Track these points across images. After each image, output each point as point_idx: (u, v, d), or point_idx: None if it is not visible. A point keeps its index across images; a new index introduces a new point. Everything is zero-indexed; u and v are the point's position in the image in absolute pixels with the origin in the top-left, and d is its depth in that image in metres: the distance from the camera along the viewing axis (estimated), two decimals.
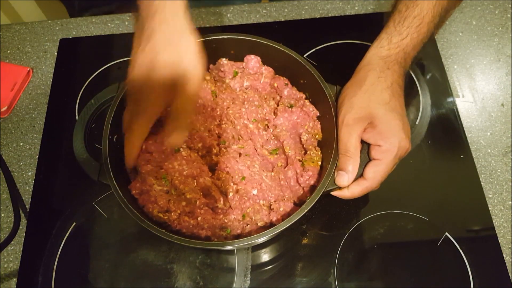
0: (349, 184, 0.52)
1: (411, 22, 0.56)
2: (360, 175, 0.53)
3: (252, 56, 0.63)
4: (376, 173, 0.52)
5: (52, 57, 0.78)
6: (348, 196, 0.54)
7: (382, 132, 0.51)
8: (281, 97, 0.63)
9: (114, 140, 0.55)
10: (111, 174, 0.51)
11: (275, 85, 0.63)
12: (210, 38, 0.60)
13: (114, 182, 0.51)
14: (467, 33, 0.79)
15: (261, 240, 0.49)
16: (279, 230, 0.48)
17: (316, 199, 0.50)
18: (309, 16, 0.80)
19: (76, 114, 0.71)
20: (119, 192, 0.50)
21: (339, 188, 0.53)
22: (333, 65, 0.72)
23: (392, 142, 0.51)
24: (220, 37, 0.61)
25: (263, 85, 0.63)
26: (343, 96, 0.55)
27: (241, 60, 0.64)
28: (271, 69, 0.64)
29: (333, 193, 0.55)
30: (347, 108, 0.53)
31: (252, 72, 0.63)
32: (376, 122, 0.52)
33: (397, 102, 0.53)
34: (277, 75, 0.64)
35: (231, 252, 0.60)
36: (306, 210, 0.49)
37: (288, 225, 0.48)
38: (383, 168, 0.52)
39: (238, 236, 0.53)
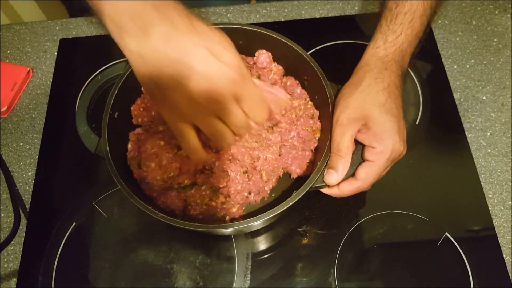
0: (337, 183, 0.52)
1: (403, 18, 0.55)
2: (351, 174, 0.53)
3: (264, 51, 0.62)
4: (368, 174, 0.52)
5: (52, 57, 0.78)
6: (337, 194, 0.54)
7: (376, 133, 0.51)
8: (291, 96, 0.63)
9: (116, 116, 0.56)
10: (108, 148, 0.52)
11: (288, 83, 0.63)
12: (219, 26, 0.59)
13: (110, 156, 0.52)
14: (467, 33, 0.79)
15: (258, 223, 0.49)
16: (272, 215, 0.48)
17: (303, 193, 0.50)
18: (309, 16, 0.80)
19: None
20: (113, 166, 0.51)
21: (328, 185, 0.53)
22: (333, 65, 0.72)
23: (386, 144, 0.51)
24: (229, 26, 0.60)
25: (271, 81, 0.63)
26: (340, 96, 0.55)
27: (247, 53, 0.64)
28: (281, 67, 0.63)
29: (322, 190, 0.55)
30: (342, 108, 0.53)
31: (261, 67, 0.63)
32: (370, 123, 0.52)
33: (393, 104, 0.53)
34: (289, 76, 0.64)
35: (231, 251, 0.60)
36: (291, 203, 0.49)
37: (275, 214, 0.48)
38: (375, 169, 0.52)
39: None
